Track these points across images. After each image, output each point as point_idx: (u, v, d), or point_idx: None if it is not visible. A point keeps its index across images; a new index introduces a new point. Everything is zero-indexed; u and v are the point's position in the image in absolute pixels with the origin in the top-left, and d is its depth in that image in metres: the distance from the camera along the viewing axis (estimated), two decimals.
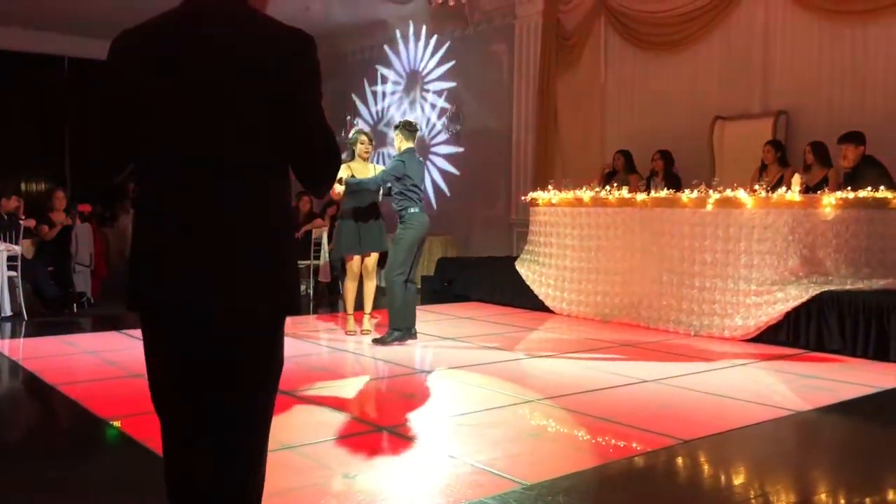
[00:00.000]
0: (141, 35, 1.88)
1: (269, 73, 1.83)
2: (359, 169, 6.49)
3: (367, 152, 6.58)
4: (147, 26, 1.89)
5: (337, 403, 4.57)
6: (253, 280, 1.84)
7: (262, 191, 1.86)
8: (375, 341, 6.30)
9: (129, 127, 1.85)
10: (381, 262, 6.81)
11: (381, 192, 6.55)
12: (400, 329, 6.26)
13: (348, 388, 5.06)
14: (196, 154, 1.82)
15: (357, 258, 6.56)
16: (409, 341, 6.33)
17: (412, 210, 6.22)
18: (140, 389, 4.65)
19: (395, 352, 6.04)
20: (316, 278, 9.77)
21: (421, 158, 6.73)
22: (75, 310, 8.14)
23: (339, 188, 6.31)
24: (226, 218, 1.81)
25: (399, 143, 6.40)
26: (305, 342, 6.49)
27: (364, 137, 6.60)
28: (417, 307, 6.63)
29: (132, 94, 1.83)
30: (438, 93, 11.88)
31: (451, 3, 6.07)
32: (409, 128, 6.43)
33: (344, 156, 6.33)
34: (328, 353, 6.20)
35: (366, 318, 6.79)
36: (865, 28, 7.48)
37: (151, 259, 1.84)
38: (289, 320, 2.08)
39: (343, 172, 6.25)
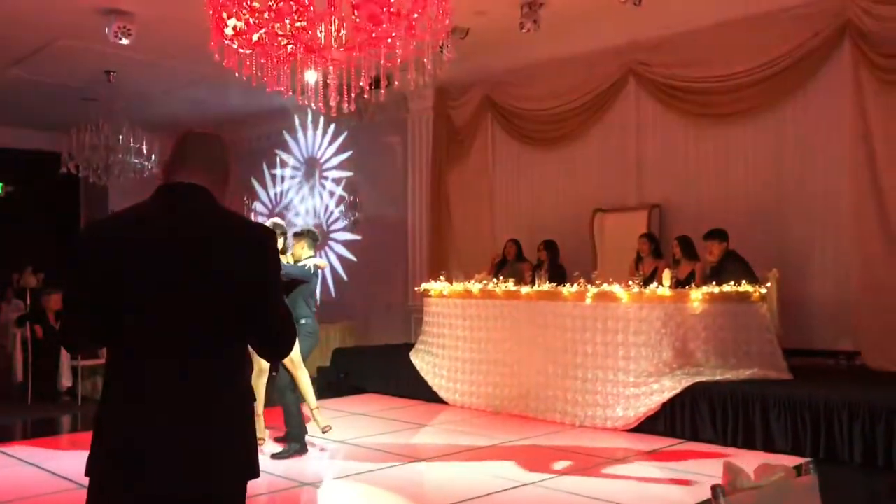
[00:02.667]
0: (113, 226, 2.04)
1: (237, 272, 1.98)
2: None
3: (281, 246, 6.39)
4: (119, 218, 2.06)
5: None
6: (223, 464, 1.96)
7: (225, 378, 2.00)
8: (274, 455, 5.90)
9: (103, 314, 1.96)
10: None
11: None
12: (300, 442, 6.03)
13: None
14: (163, 346, 1.94)
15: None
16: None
17: (305, 321, 6.07)
18: None
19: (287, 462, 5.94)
20: None
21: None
22: None
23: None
24: (192, 409, 1.93)
25: (301, 252, 6.26)
26: None
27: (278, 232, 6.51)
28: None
29: (104, 283, 1.95)
30: (336, 181, 12.05)
31: (347, 111, 6.20)
32: (314, 237, 6.44)
33: None
34: None
35: (317, 413, 6.25)
36: (727, 129, 8.07)
37: (122, 449, 1.93)
38: None
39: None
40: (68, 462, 6.00)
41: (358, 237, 11.70)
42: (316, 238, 6.44)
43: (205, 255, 1.97)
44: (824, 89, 7.59)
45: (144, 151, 10.20)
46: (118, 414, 1.95)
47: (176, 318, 1.93)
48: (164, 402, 1.92)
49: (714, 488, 1.67)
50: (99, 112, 10.07)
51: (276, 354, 2.18)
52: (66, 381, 8.87)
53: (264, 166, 13.30)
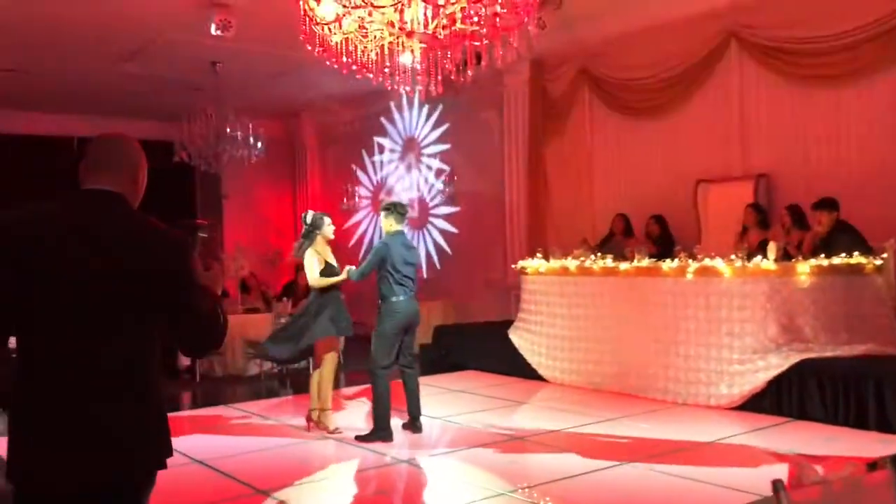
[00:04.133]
0: (22, 223, 2.09)
1: (146, 274, 2.07)
2: (327, 252, 6.22)
3: (332, 233, 6.28)
4: (30, 215, 2.11)
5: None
6: (134, 444, 2.08)
7: (135, 370, 2.10)
8: (359, 438, 5.90)
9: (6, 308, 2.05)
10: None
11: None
12: (382, 429, 5.86)
13: (324, 486, 5.16)
14: (73, 343, 2.03)
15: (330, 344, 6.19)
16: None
17: (392, 299, 5.89)
18: None
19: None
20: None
21: (411, 243, 6.37)
22: None
23: (322, 283, 6.10)
24: (102, 392, 2.04)
25: (388, 226, 6.07)
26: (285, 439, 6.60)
27: (328, 219, 6.26)
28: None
29: (9, 279, 2.02)
30: (434, 155, 12.15)
31: (442, 91, 6.21)
32: (399, 210, 6.11)
33: (301, 242, 6.18)
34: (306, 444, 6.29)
35: (324, 415, 6.22)
36: (838, 92, 7.61)
37: (32, 439, 2.04)
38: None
39: (313, 257, 6.03)
40: (186, 440, 6.38)
41: (457, 209, 11.77)
42: (401, 209, 6.12)
43: (115, 256, 2.05)
44: None
45: (250, 139, 10.56)
46: (31, 401, 2.04)
47: (85, 319, 2.02)
48: (74, 388, 2.02)
49: (775, 483, 1.61)
50: (207, 101, 10.50)
51: (196, 350, 2.36)
52: (184, 360, 9.38)
53: (363, 152, 13.53)
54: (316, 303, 6.17)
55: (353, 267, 6.16)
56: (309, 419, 6.33)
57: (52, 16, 8.16)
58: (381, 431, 5.84)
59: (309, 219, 6.27)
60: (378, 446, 5.75)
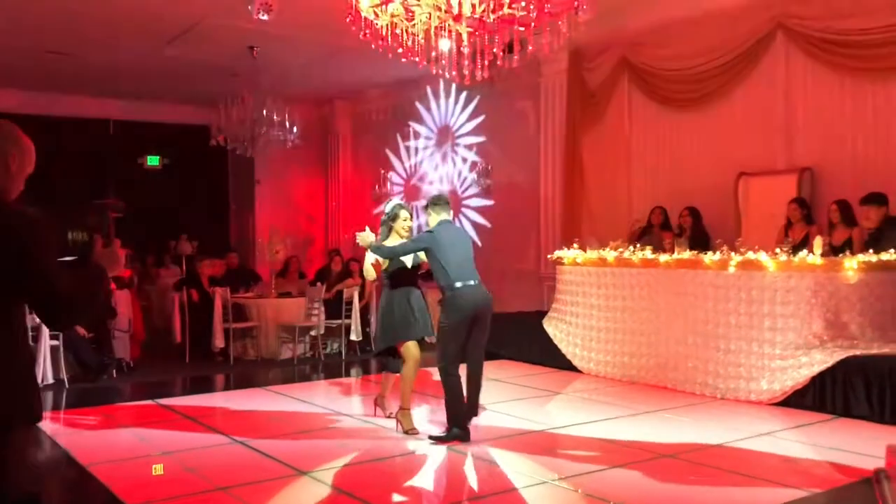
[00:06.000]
0: None
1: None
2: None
3: (408, 228, 5.96)
4: None
5: (346, 486, 4.66)
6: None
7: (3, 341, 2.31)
8: (433, 438, 5.54)
9: None
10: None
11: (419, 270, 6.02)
12: (460, 427, 5.51)
13: (363, 469, 5.15)
14: None
15: (412, 344, 5.80)
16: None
17: (450, 292, 5.48)
18: (168, 471, 4.84)
19: (419, 424, 5.96)
20: (347, 337, 9.91)
21: (460, 228, 6.00)
22: (114, 375, 8.41)
23: (371, 274, 5.93)
24: None
25: (432, 220, 5.74)
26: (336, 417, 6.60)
27: (405, 212, 5.95)
28: None
29: None
30: (469, 146, 12.08)
31: (480, 77, 6.14)
32: (437, 203, 5.78)
33: (377, 237, 5.80)
34: (351, 425, 6.29)
35: (402, 414, 5.83)
36: (887, 85, 7.44)
37: None
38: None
39: (368, 237, 5.63)
40: (221, 419, 6.42)
41: (490, 202, 11.70)
42: (439, 201, 5.79)
43: None
44: None
45: (287, 124, 10.56)
46: None
47: None
48: None
49: (877, 472, 1.56)
50: (244, 86, 10.51)
51: (54, 323, 2.55)
52: (218, 343, 9.44)
53: (398, 138, 13.49)
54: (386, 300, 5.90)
55: (373, 236, 5.69)
56: (376, 404, 6.27)
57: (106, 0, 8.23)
58: (457, 430, 5.50)
59: (388, 208, 6.03)
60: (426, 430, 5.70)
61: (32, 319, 7.60)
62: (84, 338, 8.25)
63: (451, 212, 5.88)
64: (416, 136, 13.14)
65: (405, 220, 5.94)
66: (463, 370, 5.62)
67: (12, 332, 2.35)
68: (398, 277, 5.88)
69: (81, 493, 4.85)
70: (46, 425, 6.38)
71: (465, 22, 5.53)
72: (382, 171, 13.54)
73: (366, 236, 5.66)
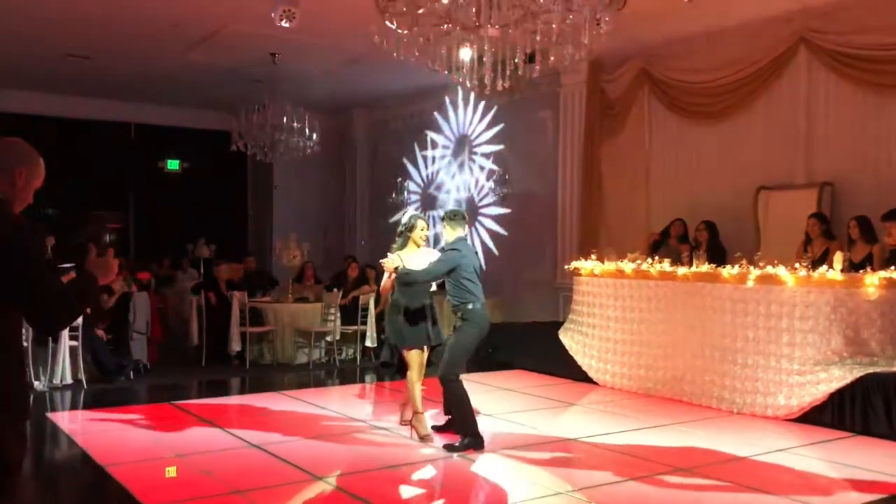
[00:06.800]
0: None
1: None
2: (412, 258, 5.83)
3: (424, 238, 5.99)
4: None
5: (361, 492, 4.67)
6: None
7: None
8: (448, 448, 5.52)
9: None
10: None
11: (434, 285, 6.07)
12: (474, 435, 5.53)
13: (376, 477, 5.16)
14: None
15: (417, 351, 5.84)
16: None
17: (471, 306, 5.59)
18: (184, 473, 4.87)
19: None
20: (363, 343, 9.94)
21: (476, 249, 6.15)
22: (132, 377, 8.46)
23: (386, 281, 5.98)
24: None
25: (448, 234, 5.81)
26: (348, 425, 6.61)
27: (422, 223, 5.99)
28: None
29: None
30: (486, 155, 12.10)
31: (501, 87, 6.17)
32: (455, 217, 5.84)
33: (396, 244, 5.94)
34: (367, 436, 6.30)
35: (415, 419, 5.89)
36: None
37: None
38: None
39: (395, 262, 5.71)
40: (236, 422, 6.44)
41: (507, 210, 11.70)
42: (456, 217, 5.87)
43: None
44: None
45: (306, 131, 10.63)
46: None
47: None
48: None
49: None
50: (265, 92, 10.60)
51: (42, 328, 2.71)
52: (235, 346, 9.49)
53: (416, 147, 13.54)
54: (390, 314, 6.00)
55: (398, 261, 5.74)
56: (402, 417, 6.28)
57: (129, 5, 8.31)
58: (471, 438, 5.51)
59: (405, 219, 6.08)
60: (435, 437, 5.73)
61: None
62: (102, 339, 8.32)
63: (467, 227, 5.92)
64: (434, 145, 13.18)
65: (422, 230, 5.98)
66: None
67: (2, 333, 2.46)
68: (410, 287, 5.81)
69: (99, 494, 4.89)
70: (66, 425, 6.45)
71: (486, 32, 5.55)
72: (399, 180, 13.59)
73: (392, 261, 5.74)
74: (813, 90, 8.14)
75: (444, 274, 5.66)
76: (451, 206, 12.28)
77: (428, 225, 6.17)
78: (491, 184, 11.92)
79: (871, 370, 6.09)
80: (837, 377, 6.17)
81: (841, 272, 6.35)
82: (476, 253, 6.13)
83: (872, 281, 6.22)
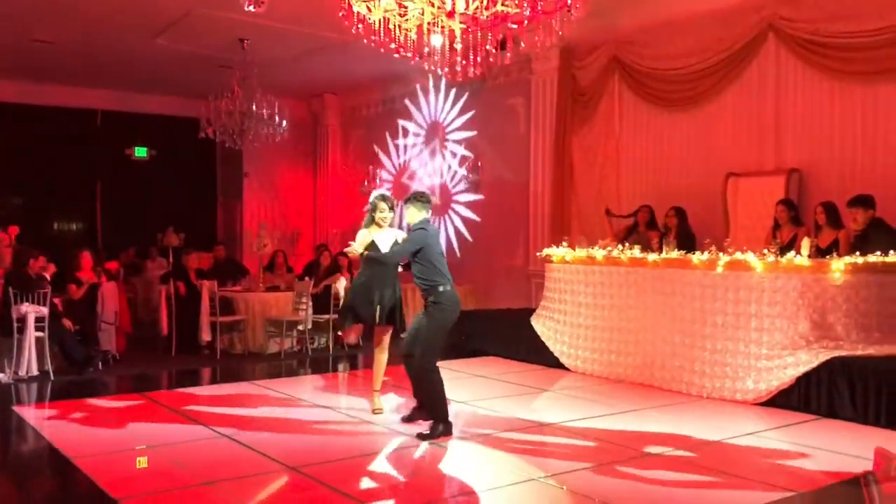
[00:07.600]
0: None
1: None
2: (379, 236, 5.99)
3: (385, 220, 6.05)
4: None
5: (332, 481, 4.65)
6: None
7: None
8: (421, 436, 5.49)
9: None
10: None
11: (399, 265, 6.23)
12: (444, 422, 5.54)
13: (349, 465, 5.15)
14: None
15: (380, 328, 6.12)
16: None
17: (442, 288, 5.54)
18: (153, 464, 4.81)
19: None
20: (335, 332, 9.90)
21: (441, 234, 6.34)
22: (100, 368, 8.35)
23: (356, 250, 5.98)
24: None
25: (411, 217, 5.81)
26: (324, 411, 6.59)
27: (383, 205, 6.06)
28: None
29: None
30: (458, 142, 12.08)
31: (472, 74, 6.15)
32: (422, 199, 5.85)
33: (364, 223, 6.15)
34: (341, 426, 6.29)
35: (376, 397, 6.27)
36: (875, 88, 7.50)
37: None
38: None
39: (366, 238, 5.91)
40: (207, 413, 6.38)
41: (480, 197, 11.70)
42: (424, 198, 5.88)
43: None
44: None
45: (276, 117, 10.52)
46: None
47: None
48: None
49: (866, 475, 1.57)
50: (234, 78, 10.46)
51: None
52: (205, 336, 9.40)
53: (387, 135, 13.46)
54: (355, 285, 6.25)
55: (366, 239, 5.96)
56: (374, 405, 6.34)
57: None
58: (444, 425, 5.53)
59: (371, 198, 6.23)
60: (405, 427, 5.74)
61: (18, 311, 7.60)
62: (70, 330, 8.20)
63: (430, 210, 5.94)
64: (406, 132, 13.12)
65: (382, 213, 6.05)
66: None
67: None
68: (375, 264, 6.02)
69: (66, 486, 4.82)
70: (31, 417, 6.35)
71: (458, 18, 5.52)
72: (371, 167, 13.52)
73: (354, 249, 5.96)
74: (782, 77, 8.21)
75: (411, 253, 5.66)
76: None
77: (392, 207, 6.18)
78: (463, 170, 11.91)
79: (836, 354, 6.18)
80: (804, 361, 6.26)
81: (808, 258, 6.44)
82: (439, 233, 6.16)
83: (838, 266, 6.31)
